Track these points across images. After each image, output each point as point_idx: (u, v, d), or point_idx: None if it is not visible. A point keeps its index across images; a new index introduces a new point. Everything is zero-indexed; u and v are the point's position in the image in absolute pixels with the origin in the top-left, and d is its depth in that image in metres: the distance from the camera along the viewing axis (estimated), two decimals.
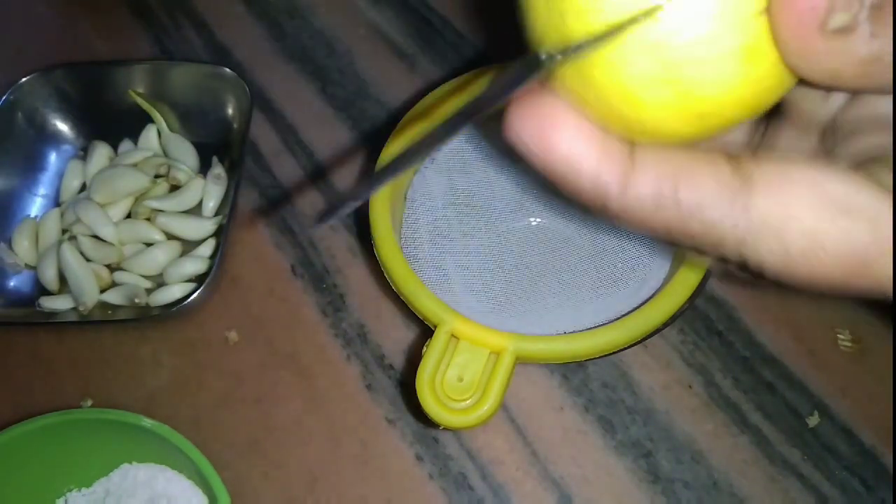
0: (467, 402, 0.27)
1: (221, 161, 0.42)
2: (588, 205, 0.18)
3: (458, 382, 0.27)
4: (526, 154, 0.17)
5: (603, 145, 0.17)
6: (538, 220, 0.35)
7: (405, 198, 0.35)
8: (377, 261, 0.32)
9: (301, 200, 0.41)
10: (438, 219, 0.35)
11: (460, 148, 0.36)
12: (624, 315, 0.29)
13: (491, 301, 0.33)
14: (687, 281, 0.28)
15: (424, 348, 0.28)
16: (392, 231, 0.31)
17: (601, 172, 0.17)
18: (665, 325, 0.28)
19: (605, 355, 0.29)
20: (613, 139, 0.17)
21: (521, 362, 0.28)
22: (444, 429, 0.27)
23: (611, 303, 0.31)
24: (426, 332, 0.30)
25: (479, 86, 0.35)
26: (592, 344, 0.28)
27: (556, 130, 0.17)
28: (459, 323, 0.28)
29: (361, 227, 0.40)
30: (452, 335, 0.28)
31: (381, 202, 0.32)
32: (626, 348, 0.29)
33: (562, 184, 0.17)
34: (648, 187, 0.17)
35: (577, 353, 0.28)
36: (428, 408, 0.26)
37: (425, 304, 0.29)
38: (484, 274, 0.34)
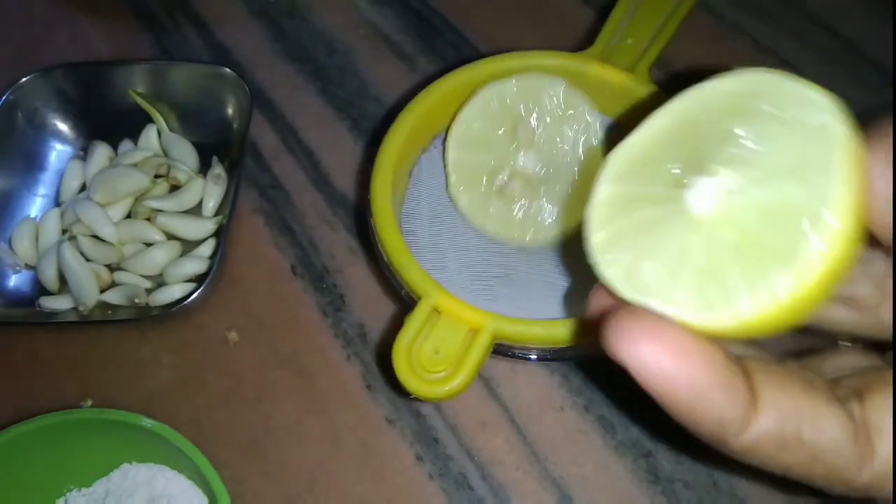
0: (440, 374, 0.27)
1: (221, 161, 0.42)
2: (705, 436, 0.17)
3: (433, 354, 0.27)
4: (641, 377, 0.16)
5: (727, 377, 0.16)
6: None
7: (410, 175, 0.36)
8: (378, 260, 0.32)
9: (301, 200, 0.41)
10: (440, 199, 0.35)
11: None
12: None
13: (483, 283, 0.33)
14: None
15: (406, 318, 0.28)
16: (391, 204, 0.32)
17: (725, 410, 0.16)
18: None
19: (578, 349, 0.29)
20: (733, 369, 0.16)
21: (498, 341, 0.29)
22: (414, 398, 0.27)
23: None
24: None
25: (477, 77, 0.35)
26: (571, 331, 0.28)
27: (679, 356, 0.15)
28: (443, 298, 0.29)
29: (361, 227, 0.40)
30: (435, 309, 0.29)
31: (382, 176, 0.32)
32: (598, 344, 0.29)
33: (680, 413, 0.16)
34: (772, 426, 0.16)
35: (555, 339, 0.28)
36: (401, 375, 0.27)
37: (412, 275, 0.29)
38: (479, 256, 0.34)
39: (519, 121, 0.33)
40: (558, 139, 0.34)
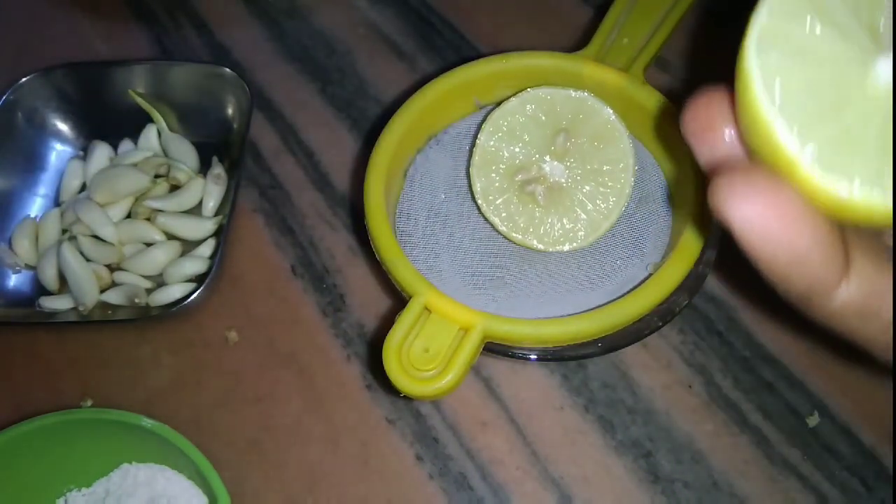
0: (430, 372, 0.27)
1: (221, 161, 0.42)
2: (792, 297, 0.17)
3: (423, 353, 0.28)
4: (743, 235, 0.16)
5: (827, 244, 0.16)
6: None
7: (405, 175, 0.36)
8: (377, 260, 0.32)
9: (301, 200, 0.41)
10: (436, 199, 0.35)
11: (467, 132, 0.36)
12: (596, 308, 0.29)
13: (476, 285, 0.33)
14: (662, 284, 0.29)
15: (397, 317, 0.28)
16: (384, 203, 0.32)
17: (819, 274, 0.16)
18: (645, 325, 0.29)
19: (585, 349, 0.29)
20: (834, 237, 0.17)
21: (489, 340, 0.29)
22: (405, 396, 0.27)
23: (592, 299, 0.31)
24: None
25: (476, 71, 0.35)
26: (561, 331, 0.28)
27: (785, 218, 0.16)
28: (434, 296, 0.29)
29: (361, 227, 0.40)
30: (426, 308, 0.29)
31: (376, 175, 0.33)
32: (606, 344, 0.29)
33: (774, 273, 0.17)
34: (857, 297, 0.17)
35: (545, 338, 0.29)
36: (391, 373, 0.27)
37: (403, 274, 0.30)
38: (474, 257, 0.34)
39: (561, 130, 0.33)
40: (591, 162, 0.33)
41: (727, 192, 0.16)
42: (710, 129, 0.18)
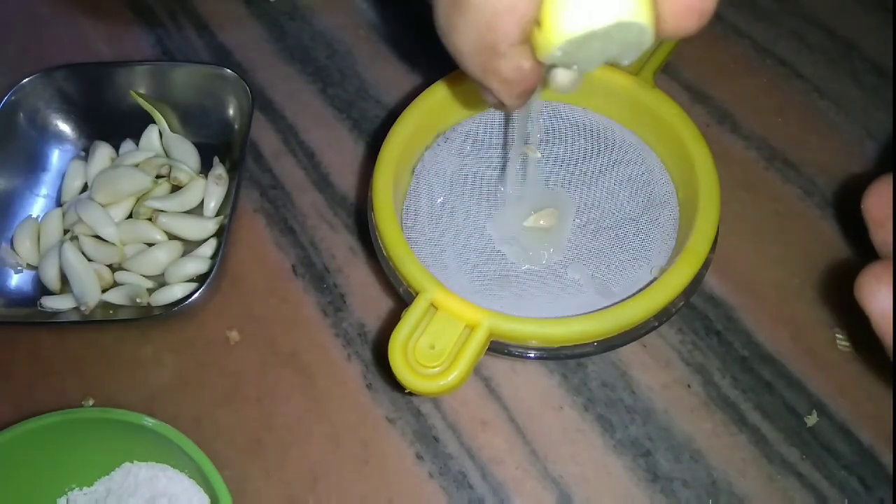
0: (435, 369, 0.27)
1: (222, 161, 0.42)
2: None
3: (429, 350, 0.28)
4: (875, 318, 0.19)
5: None
6: (541, 215, 0.36)
7: (412, 171, 0.36)
8: (378, 258, 0.32)
9: (302, 201, 0.42)
10: (443, 198, 0.35)
11: (477, 132, 0.37)
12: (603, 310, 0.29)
13: (480, 284, 0.33)
14: (669, 287, 0.29)
15: (403, 313, 0.28)
16: (392, 199, 0.32)
17: None
18: (642, 325, 0.29)
19: (583, 348, 0.29)
20: None
21: (494, 339, 0.29)
22: (409, 393, 0.28)
23: (597, 300, 0.32)
24: None
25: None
26: (566, 330, 0.28)
27: None
28: (440, 293, 0.29)
29: (362, 228, 0.40)
30: (432, 305, 0.29)
31: (385, 171, 0.33)
32: (603, 344, 0.29)
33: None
34: None
35: (550, 337, 0.29)
36: (396, 369, 0.27)
37: (410, 270, 0.30)
38: (479, 256, 0.34)
39: None
40: None
41: (873, 283, 0.18)
42: (890, 219, 0.20)
